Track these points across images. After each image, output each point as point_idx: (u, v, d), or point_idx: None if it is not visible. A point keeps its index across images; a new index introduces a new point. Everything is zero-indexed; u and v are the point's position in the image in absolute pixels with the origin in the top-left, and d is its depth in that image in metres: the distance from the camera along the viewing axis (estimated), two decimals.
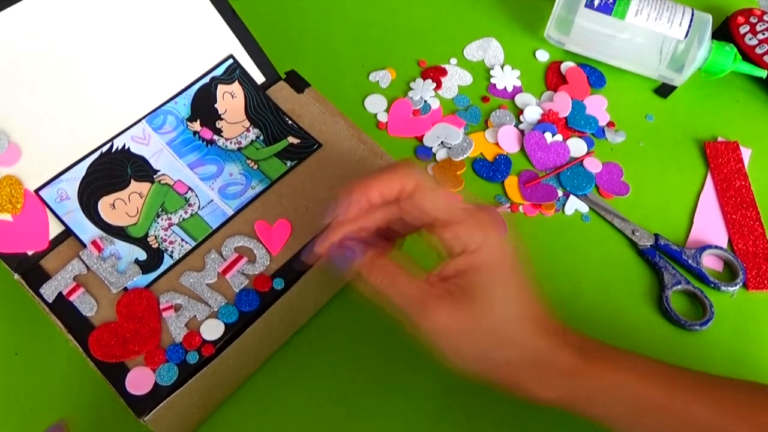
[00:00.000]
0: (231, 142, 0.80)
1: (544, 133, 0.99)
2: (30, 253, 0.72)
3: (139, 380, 0.67)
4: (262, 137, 0.81)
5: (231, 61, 0.83)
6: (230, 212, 0.76)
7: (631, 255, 0.90)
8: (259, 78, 0.85)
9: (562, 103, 1.02)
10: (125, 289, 0.70)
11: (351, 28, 1.08)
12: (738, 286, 0.87)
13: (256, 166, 0.79)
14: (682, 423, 0.62)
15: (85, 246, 0.72)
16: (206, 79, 0.82)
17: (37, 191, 0.73)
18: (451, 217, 0.62)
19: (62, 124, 0.75)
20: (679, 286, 0.87)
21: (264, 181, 0.78)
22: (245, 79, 0.83)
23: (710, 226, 0.95)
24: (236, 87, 0.83)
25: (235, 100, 0.82)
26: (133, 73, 0.79)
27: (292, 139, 0.81)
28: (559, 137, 0.95)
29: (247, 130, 0.81)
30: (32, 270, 0.71)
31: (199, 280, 0.72)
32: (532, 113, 1.01)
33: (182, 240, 0.74)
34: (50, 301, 0.70)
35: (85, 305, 0.70)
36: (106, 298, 0.70)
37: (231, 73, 0.83)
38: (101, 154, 0.76)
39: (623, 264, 0.88)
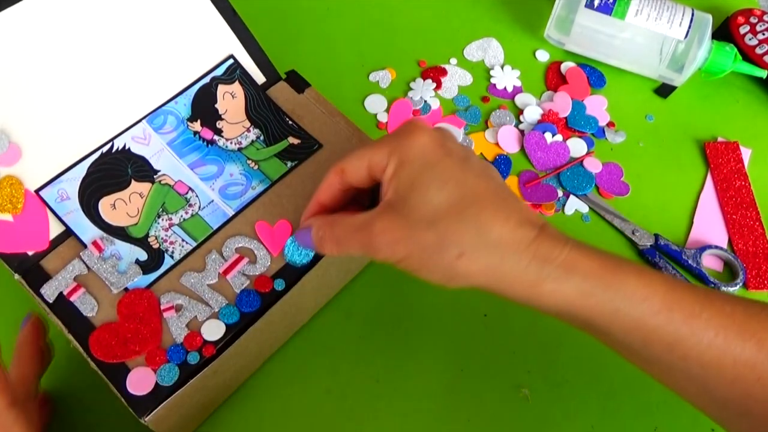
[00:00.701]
0: (231, 143, 0.80)
1: (544, 133, 0.99)
2: (30, 253, 0.71)
3: (140, 380, 0.67)
4: (262, 137, 0.81)
5: (231, 61, 0.83)
6: (231, 213, 0.75)
7: (631, 255, 0.91)
8: (259, 78, 0.84)
9: (562, 103, 1.03)
10: (126, 289, 0.70)
11: (351, 28, 1.08)
12: (738, 286, 0.88)
13: (256, 167, 0.78)
14: (681, 332, 0.58)
15: (85, 246, 0.72)
16: (206, 79, 0.81)
17: (37, 191, 0.73)
18: (369, 163, 0.62)
19: (63, 124, 0.75)
20: None
21: (264, 181, 0.78)
22: (246, 80, 0.83)
23: (710, 226, 0.95)
24: (237, 87, 0.83)
25: (235, 100, 0.82)
26: (133, 73, 0.78)
27: (292, 140, 0.81)
28: (559, 137, 0.95)
29: (248, 130, 0.81)
30: (32, 270, 0.71)
31: (200, 281, 0.72)
32: (532, 113, 1.01)
33: (183, 240, 0.74)
34: (51, 302, 0.69)
35: (86, 305, 0.69)
36: (106, 299, 0.70)
37: (231, 73, 0.83)
38: (102, 154, 0.76)
39: None
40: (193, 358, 0.68)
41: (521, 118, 1.01)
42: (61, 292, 0.70)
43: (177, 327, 0.69)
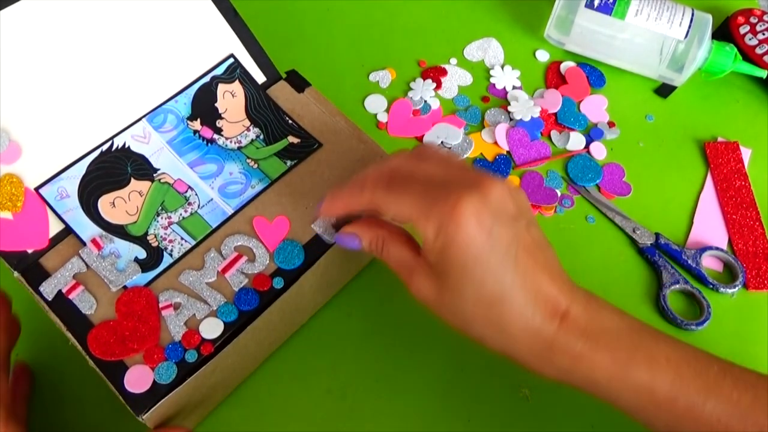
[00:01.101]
0: (231, 141, 0.80)
1: (531, 129, 1.00)
2: (30, 251, 0.72)
3: (138, 378, 0.67)
4: (262, 136, 0.81)
5: (232, 60, 0.83)
6: (230, 211, 0.76)
7: (631, 253, 0.90)
8: (259, 77, 0.85)
9: (552, 100, 1.03)
10: (125, 287, 0.70)
11: (351, 28, 1.08)
12: (737, 288, 0.87)
13: (256, 165, 0.79)
14: (687, 420, 0.62)
15: (84, 244, 0.72)
16: (207, 78, 0.82)
17: (37, 189, 0.73)
18: (410, 219, 0.63)
19: (62, 123, 0.75)
20: (677, 286, 0.87)
21: (264, 180, 0.78)
22: (246, 79, 0.83)
23: (710, 226, 0.95)
24: (237, 86, 0.83)
25: (235, 99, 0.82)
26: (133, 72, 0.79)
27: (292, 139, 0.81)
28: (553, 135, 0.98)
29: (248, 129, 0.81)
30: (32, 268, 0.71)
31: (198, 279, 0.72)
32: (524, 111, 1.01)
33: (182, 239, 0.74)
34: (49, 299, 0.70)
35: (85, 303, 0.70)
36: (105, 297, 0.70)
37: (231, 73, 0.83)
38: (101, 152, 0.76)
39: (623, 262, 0.88)
40: (191, 356, 0.68)
41: (511, 115, 1.01)
42: (60, 290, 0.70)
43: (175, 325, 0.69)
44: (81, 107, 0.76)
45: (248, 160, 0.79)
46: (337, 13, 1.09)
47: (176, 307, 0.70)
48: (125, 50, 0.78)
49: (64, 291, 0.70)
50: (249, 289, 0.72)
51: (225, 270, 0.72)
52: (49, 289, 0.70)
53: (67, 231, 0.73)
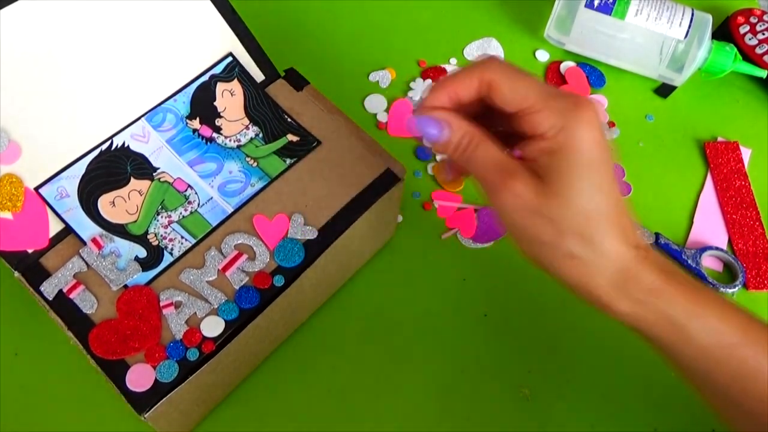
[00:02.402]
0: (230, 140, 0.80)
1: None
2: (30, 251, 0.72)
3: (140, 377, 0.67)
4: (261, 135, 0.81)
5: (230, 59, 0.83)
6: (230, 210, 0.76)
7: None
8: (258, 76, 0.85)
9: None
10: (125, 286, 0.70)
11: (351, 28, 1.09)
12: (737, 288, 0.88)
13: (255, 164, 0.79)
14: (746, 368, 0.61)
15: (85, 243, 0.72)
16: (205, 77, 0.82)
17: (37, 189, 0.73)
18: (531, 106, 0.60)
19: (62, 122, 0.75)
20: None
21: (263, 178, 0.78)
22: (244, 77, 0.83)
23: (710, 226, 0.96)
24: (235, 85, 0.83)
25: (234, 98, 0.83)
26: (132, 71, 0.79)
27: (291, 137, 0.81)
28: None
29: (247, 128, 0.81)
30: (32, 268, 0.71)
31: (199, 278, 0.72)
32: None
33: (182, 237, 0.74)
34: (50, 299, 0.70)
35: (86, 303, 0.70)
36: (106, 296, 0.70)
37: (230, 71, 0.83)
38: (101, 152, 0.76)
39: None
40: (192, 355, 0.68)
41: None
42: (60, 290, 0.70)
43: (176, 323, 0.69)
44: (80, 107, 0.76)
45: (248, 159, 0.79)
46: (337, 13, 1.10)
47: (177, 305, 0.70)
48: (124, 49, 0.78)
49: (64, 290, 0.70)
50: (250, 287, 0.72)
51: (225, 268, 0.72)
52: (49, 288, 0.70)
53: (67, 231, 0.73)
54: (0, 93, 0.73)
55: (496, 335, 0.83)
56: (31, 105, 0.74)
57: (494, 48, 1.09)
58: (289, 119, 0.82)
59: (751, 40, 1.06)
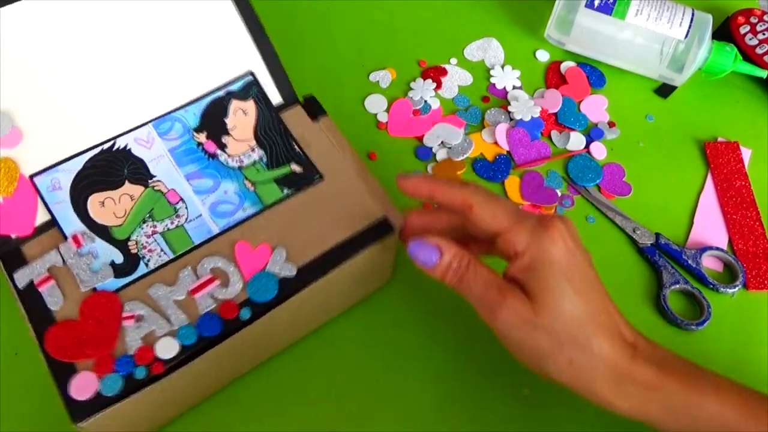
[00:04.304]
0: (233, 159, 0.79)
1: (531, 129, 1.00)
2: (14, 236, 0.72)
3: (83, 385, 0.67)
4: (265, 159, 0.80)
5: (250, 77, 0.83)
6: (216, 230, 0.75)
7: (631, 253, 0.91)
8: (276, 98, 0.84)
9: (552, 100, 1.04)
10: (94, 289, 0.70)
11: (351, 28, 1.09)
12: (737, 288, 0.88)
13: (252, 188, 0.78)
14: None
15: (66, 239, 0.72)
16: (221, 92, 0.81)
17: (31, 177, 0.73)
18: (504, 227, 0.65)
19: (68, 115, 0.75)
20: (677, 286, 0.88)
21: (257, 204, 0.77)
22: (261, 99, 0.82)
23: (710, 226, 0.96)
24: (250, 105, 0.82)
25: (246, 117, 0.82)
26: (147, 74, 0.79)
27: (294, 167, 0.80)
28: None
29: (252, 149, 0.80)
30: (12, 253, 0.72)
31: (167, 295, 0.71)
32: (525, 111, 1.02)
33: (161, 250, 0.74)
34: (20, 288, 0.70)
35: (52, 298, 0.70)
36: (73, 295, 0.70)
37: (247, 91, 0.82)
38: (101, 150, 0.76)
39: (623, 263, 0.88)
40: (140, 373, 0.68)
41: (511, 115, 1.01)
42: (31, 280, 0.70)
43: (132, 337, 0.69)
44: (89, 102, 0.76)
45: (246, 182, 0.78)
46: (337, 13, 1.10)
47: (138, 319, 0.70)
48: (142, 51, 0.78)
49: (35, 282, 0.70)
50: (214, 315, 0.71)
51: (195, 291, 0.72)
52: (22, 277, 0.70)
53: (53, 223, 0.73)
54: (8, 78, 0.74)
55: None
56: (40, 94, 0.75)
57: (494, 48, 1.09)
58: (297, 148, 0.81)
59: (751, 41, 1.07)
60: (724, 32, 1.11)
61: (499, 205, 0.66)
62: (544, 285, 0.64)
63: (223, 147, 0.79)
